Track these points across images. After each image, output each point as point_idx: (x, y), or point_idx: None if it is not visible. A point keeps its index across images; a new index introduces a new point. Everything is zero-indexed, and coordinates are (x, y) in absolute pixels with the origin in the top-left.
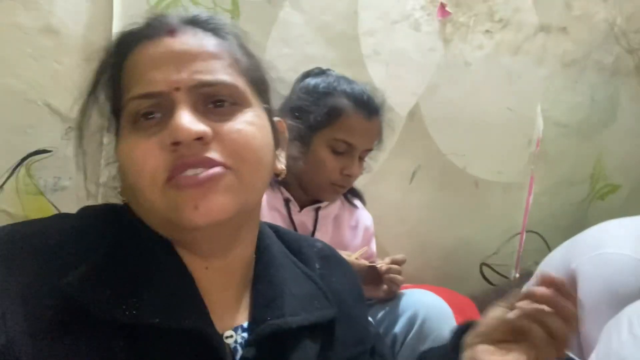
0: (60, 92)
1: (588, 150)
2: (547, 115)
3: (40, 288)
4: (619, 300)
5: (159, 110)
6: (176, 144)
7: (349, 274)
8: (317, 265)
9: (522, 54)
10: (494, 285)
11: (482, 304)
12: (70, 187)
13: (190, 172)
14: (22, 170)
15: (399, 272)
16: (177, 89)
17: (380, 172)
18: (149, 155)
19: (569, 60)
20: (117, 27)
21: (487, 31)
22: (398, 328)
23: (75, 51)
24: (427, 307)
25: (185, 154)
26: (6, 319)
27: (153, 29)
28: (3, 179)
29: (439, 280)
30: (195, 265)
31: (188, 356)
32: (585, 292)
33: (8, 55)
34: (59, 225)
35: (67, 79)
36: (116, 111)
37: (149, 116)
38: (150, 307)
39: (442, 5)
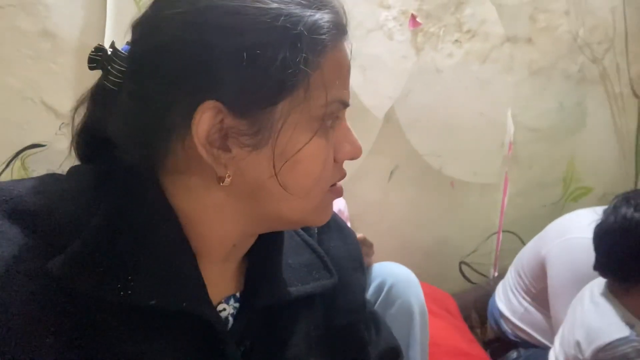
0: (56, 91)
1: (559, 154)
2: (518, 120)
3: (24, 266)
4: (584, 280)
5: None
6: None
7: (350, 240)
8: (315, 230)
9: (490, 62)
10: (474, 284)
11: (462, 301)
12: None
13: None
14: (17, 162)
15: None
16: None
17: (360, 170)
18: (331, 162)
19: (536, 69)
20: (109, 30)
21: (456, 41)
22: (368, 295)
23: (71, 53)
24: (395, 275)
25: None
26: None
27: (344, 25)
28: None
29: (419, 279)
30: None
31: (183, 333)
32: (554, 275)
33: (8, 55)
34: (48, 188)
35: (62, 78)
36: (291, 89)
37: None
38: (147, 287)
39: (413, 17)
